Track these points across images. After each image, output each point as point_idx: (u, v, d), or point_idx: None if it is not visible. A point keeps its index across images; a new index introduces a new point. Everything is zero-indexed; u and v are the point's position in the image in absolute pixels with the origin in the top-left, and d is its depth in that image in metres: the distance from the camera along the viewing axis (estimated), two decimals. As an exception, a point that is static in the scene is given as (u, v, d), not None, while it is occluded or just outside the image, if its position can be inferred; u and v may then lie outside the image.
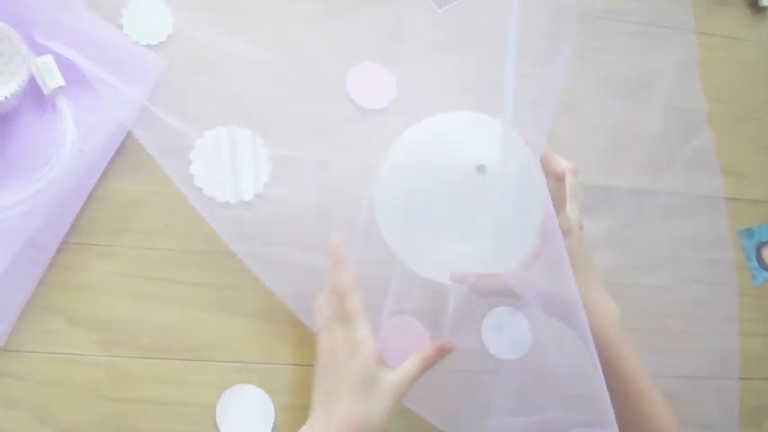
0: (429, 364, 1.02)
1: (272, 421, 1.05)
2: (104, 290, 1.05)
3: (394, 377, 0.98)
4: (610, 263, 1.17)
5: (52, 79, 1.04)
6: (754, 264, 1.27)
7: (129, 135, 1.08)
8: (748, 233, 1.28)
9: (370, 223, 1.06)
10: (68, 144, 1.03)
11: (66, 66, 1.05)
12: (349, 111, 1.16)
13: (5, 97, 0.99)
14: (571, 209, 1.02)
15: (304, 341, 1.06)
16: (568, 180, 1.03)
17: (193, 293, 1.07)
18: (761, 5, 1.40)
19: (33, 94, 1.05)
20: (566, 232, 1.00)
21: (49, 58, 1.04)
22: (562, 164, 1.04)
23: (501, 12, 1.13)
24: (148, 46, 1.12)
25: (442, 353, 1.03)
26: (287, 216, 1.11)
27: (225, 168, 1.10)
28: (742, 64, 1.39)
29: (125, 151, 1.09)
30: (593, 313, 0.98)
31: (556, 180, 1.03)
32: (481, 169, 0.99)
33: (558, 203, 1.02)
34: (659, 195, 1.20)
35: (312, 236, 1.10)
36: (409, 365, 1.00)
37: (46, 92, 1.04)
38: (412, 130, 1.06)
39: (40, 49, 1.05)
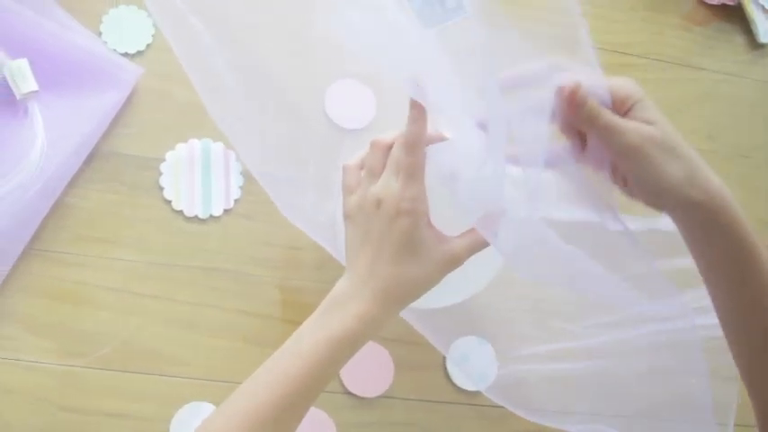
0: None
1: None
2: (65, 298, 1.04)
3: (450, 245, 0.87)
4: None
5: (25, 83, 1.03)
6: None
7: (100, 143, 1.08)
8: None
9: (335, 246, 1.04)
10: (37, 149, 1.02)
11: (40, 70, 1.04)
12: (326, 130, 1.15)
13: (-27, 101, 0.98)
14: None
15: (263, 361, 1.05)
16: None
17: (155, 307, 1.06)
18: (759, 42, 1.38)
19: (5, 97, 1.04)
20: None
21: (23, 62, 1.03)
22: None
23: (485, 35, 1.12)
24: (126, 54, 1.11)
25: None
26: (254, 234, 1.10)
27: (196, 182, 1.10)
28: (737, 101, 1.37)
29: (95, 159, 1.08)
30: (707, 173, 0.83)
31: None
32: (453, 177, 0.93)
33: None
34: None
35: (277, 255, 1.09)
36: (468, 235, 0.88)
37: (18, 96, 1.03)
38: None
39: (15, 53, 1.04)
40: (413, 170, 0.85)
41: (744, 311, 0.86)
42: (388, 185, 0.86)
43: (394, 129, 0.91)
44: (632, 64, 1.32)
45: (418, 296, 0.88)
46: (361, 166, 0.92)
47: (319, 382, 0.84)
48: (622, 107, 0.82)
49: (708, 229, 0.84)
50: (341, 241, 1.01)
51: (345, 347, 0.84)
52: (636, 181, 0.82)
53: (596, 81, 0.81)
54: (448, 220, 0.89)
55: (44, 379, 1.02)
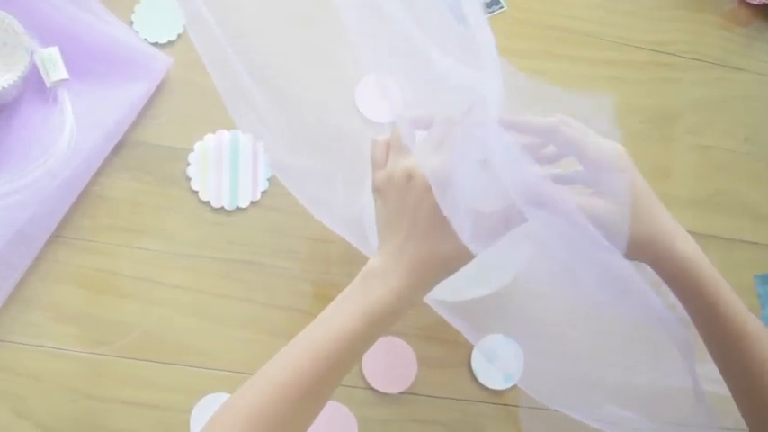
0: None
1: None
2: (90, 286, 1.05)
3: (483, 221, 0.83)
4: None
5: (55, 71, 1.03)
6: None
7: (128, 132, 1.08)
8: (764, 279, 1.23)
9: (362, 240, 1.04)
10: (66, 137, 1.03)
11: (71, 59, 1.05)
12: (356, 123, 1.14)
13: (2, 87, 0.99)
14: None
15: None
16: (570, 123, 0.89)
17: (179, 297, 1.06)
18: (803, 44, 1.36)
19: (36, 85, 1.05)
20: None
21: (54, 51, 1.04)
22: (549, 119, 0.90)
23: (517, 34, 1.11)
24: (156, 44, 1.12)
25: None
26: (281, 227, 1.10)
27: (223, 173, 1.10)
28: (776, 103, 1.34)
29: (123, 148, 1.08)
30: (673, 240, 0.87)
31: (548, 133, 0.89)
32: None
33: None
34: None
35: (303, 248, 1.09)
36: (502, 212, 0.85)
37: (48, 84, 1.04)
38: None
39: (46, 41, 1.05)
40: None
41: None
42: (408, 165, 0.85)
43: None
44: (671, 63, 1.30)
45: (450, 273, 0.86)
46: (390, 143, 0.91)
47: (352, 356, 0.83)
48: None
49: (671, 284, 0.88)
50: (370, 234, 1.01)
51: (380, 321, 0.83)
52: None
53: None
54: (484, 197, 0.86)
55: (68, 366, 1.02)
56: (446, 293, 1.01)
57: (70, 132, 1.03)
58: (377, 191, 0.89)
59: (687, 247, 0.87)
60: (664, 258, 0.86)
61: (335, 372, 0.83)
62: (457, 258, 0.85)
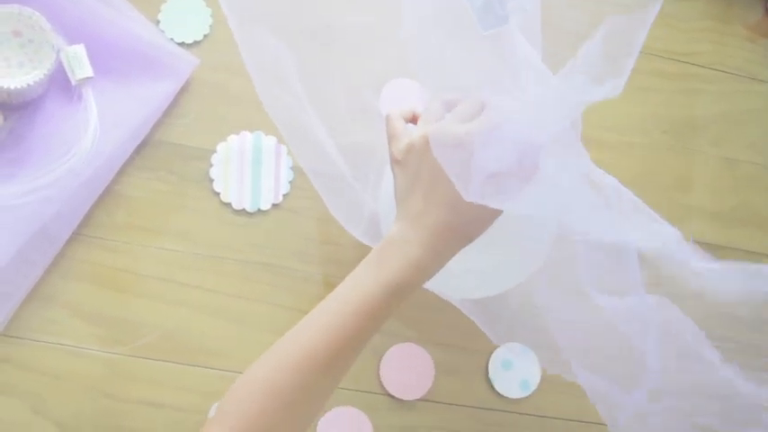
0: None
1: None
2: (110, 285, 1.05)
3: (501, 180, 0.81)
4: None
5: (81, 69, 1.03)
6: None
7: (152, 132, 1.08)
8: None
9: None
10: (90, 135, 1.03)
11: (96, 57, 1.04)
12: (378, 129, 1.13)
13: (28, 84, 0.99)
14: None
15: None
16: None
17: (199, 298, 1.06)
18: (827, 57, 1.35)
19: (61, 82, 1.04)
20: None
21: (80, 48, 1.03)
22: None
23: (546, 41, 1.11)
24: (183, 44, 1.11)
25: None
26: (302, 230, 1.10)
27: (246, 175, 1.09)
28: (799, 116, 1.33)
29: (146, 147, 1.08)
30: None
31: None
32: None
33: None
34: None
35: (324, 252, 1.08)
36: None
37: (73, 81, 1.03)
38: None
39: (72, 38, 1.04)
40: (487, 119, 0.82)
41: None
42: (444, 124, 0.84)
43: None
44: (694, 74, 1.29)
45: (470, 239, 0.85)
46: (403, 116, 0.92)
47: (370, 329, 0.84)
48: None
49: None
50: (384, 228, 1.00)
51: (398, 293, 0.83)
52: None
53: None
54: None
55: (87, 365, 1.02)
56: (458, 292, 1.02)
57: (94, 131, 1.03)
58: (395, 162, 0.88)
59: None
60: None
61: (352, 346, 0.83)
62: (477, 220, 0.84)
